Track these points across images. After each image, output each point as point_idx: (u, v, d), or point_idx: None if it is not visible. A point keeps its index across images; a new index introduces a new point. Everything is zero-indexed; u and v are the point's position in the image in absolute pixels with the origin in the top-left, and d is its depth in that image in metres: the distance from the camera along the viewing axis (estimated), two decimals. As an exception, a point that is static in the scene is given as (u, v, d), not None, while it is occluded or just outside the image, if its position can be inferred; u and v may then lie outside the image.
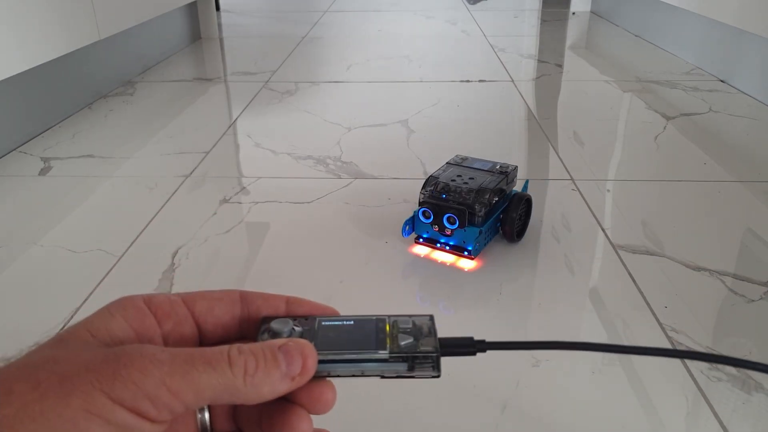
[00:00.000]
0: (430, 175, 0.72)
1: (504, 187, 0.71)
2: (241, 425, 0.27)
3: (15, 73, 0.94)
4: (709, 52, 1.49)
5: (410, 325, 0.26)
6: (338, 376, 0.25)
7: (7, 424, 0.19)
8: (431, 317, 0.27)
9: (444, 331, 0.26)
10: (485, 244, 0.71)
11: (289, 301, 0.28)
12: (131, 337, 0.24)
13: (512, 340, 0.26)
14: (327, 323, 0.26)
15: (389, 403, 0.50)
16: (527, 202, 0.73)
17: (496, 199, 0.70)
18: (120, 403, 0.20)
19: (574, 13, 2.33)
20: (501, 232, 0.72)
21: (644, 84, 1.40)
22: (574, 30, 2.09)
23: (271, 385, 0.22)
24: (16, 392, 0.19)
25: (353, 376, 0.25)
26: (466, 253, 0.69)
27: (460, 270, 0.68)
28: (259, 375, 0.22)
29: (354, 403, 0.50)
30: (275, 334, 0.25)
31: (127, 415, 0.20)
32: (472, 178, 0.71)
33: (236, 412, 0.27)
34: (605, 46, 1.82)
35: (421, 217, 0.70)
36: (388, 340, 0.25)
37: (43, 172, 0.97)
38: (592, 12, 2.33)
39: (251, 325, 0.27)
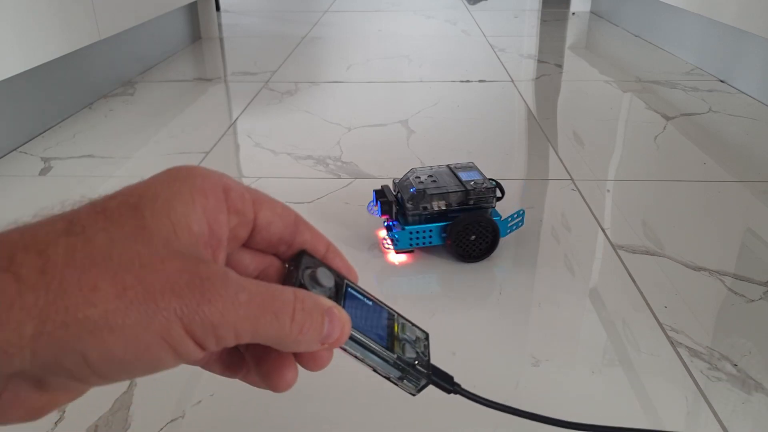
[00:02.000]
0: (412, 168, 0.73)
1: (464, 201, 0.68)
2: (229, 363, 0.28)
3: (15, 73, 0.94)
4: (708, 52, 1.49)
5: (414, 337, 0.27)
6: (344, 350, 0.26)
7: (87, 328, 0.19)
8: (427, 336, 0.28)
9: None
10: (414, 245, 0.69)
11: (329, 248, 0.29)
12: (204, 233, 0.23)
13: (483, 397, 0.28)
14: (352, 292, 0.27)
15: (388, 402, 0.50)
16: (486, 226, 0.68)
17: (441, 208, 0.68)
18: (192, 335, 0.20)
19: (573, 13, 2.33)
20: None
21: (644, 84, 1.40)
22: (573, 30, 2.09)
23: (308, 343, 0.23)
24: (101, 291, 0.19)
25: (354, 357, 0.26)
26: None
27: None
28: (306, 332, 0.23)
29: (353, 402, 0.50)
30: (318, 285, 0.25)
31: (192, 346, 0.21)
32: (435, 181, 0.70)
33: (227, 355, 0.27)
34: (605, 46, 1.82)
35: (373, 197, 0.72)
36: (395, 344, 0.26)
37: (43, 172, 0.97)
38: (591, 12, 2.33)
39: (291, 251, 0.28)
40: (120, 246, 0.21)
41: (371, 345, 0.25)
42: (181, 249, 0.22)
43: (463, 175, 0.72)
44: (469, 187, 0.69)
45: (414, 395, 0.27)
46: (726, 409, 0.50)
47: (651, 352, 0.56)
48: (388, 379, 0.26)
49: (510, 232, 0.72)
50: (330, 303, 0.24)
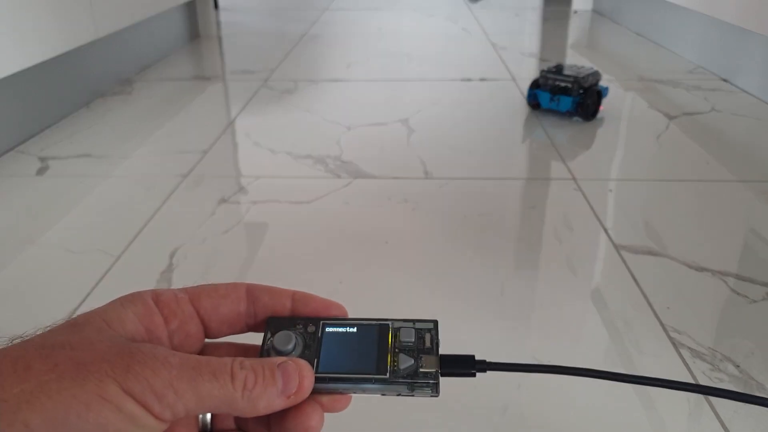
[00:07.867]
0: (559, 63, 1.19)
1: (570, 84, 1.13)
2: (243, 425, 0.27)
3: (12, 73, 0.94)
4: (711, 50, 1.48)
5: (412, 339, 0.26)
6: (340, 393, 0.25)
7: (25, 398, 0.20)
8: (435, 323, 0.27)
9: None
10: (542, 105, 1.18)
11: (295, 297, 0.28)
12: (141, 332, 0.25)
13: (514, 362, 0.26)
14: (331, 329, 0.26)
15: (389, 403, 0.50)
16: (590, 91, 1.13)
17: (555, 84, 1.15)
18: (130, 393, 0.21)
19: (575, 12, 2.32)
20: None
21: (646, 83, 1.39)
22: (575, 28, 2.09)
23: (267, 401, 0.23)
24: (34, 370, 0.20)
25: (355, 393, 0.25)
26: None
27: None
28: (257, 390, 0.23)
29: (352, 402, 0.50)
30: (278, 352, 0.25)
31: (135, 406, 0.21)
32: (558, 71, 1.14)
33: None
34: (607, 45, 1.81)
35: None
36: (389, 358, 0.25)
37: (40, 171, 0.96)
38: (593, 10, 2.32)
39: (258, 320, 0.27)
40: (52, 338, 0.22)
41: (355, 376, 0.25)
42: (114, 336, 0.23)
43: (580, 72, 1.12)
44: (575, 76, 1.12)
45: (436, 396, 0.25)
46: (728, 411, 0.49)
47: (653, 353, 0.56)
48: (402, 395, 0.25)
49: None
50: (282, 359, 0.24)
